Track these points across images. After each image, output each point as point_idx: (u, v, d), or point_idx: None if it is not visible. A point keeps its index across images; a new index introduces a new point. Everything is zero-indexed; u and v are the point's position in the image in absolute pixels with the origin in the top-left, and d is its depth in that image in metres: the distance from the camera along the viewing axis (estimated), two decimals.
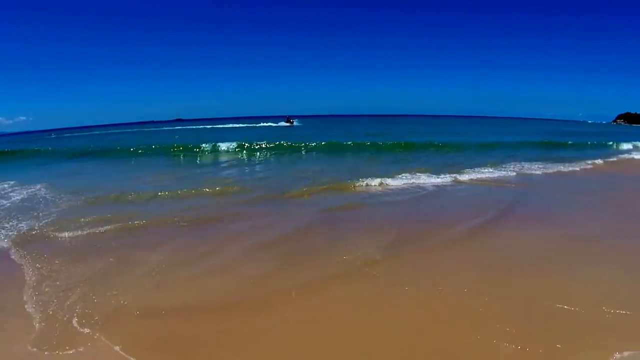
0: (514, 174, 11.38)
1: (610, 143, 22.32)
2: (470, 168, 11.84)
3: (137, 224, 6.37)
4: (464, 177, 10.47)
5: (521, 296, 3.82)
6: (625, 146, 21.59)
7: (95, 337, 3.27)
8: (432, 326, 3.35)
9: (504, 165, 12.62)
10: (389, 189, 9.12)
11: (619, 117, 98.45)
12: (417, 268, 4.54)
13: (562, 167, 12.74)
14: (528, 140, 23.14)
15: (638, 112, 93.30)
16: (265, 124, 47.17)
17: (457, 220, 6.41)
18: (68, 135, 44.62)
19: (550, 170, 12.16)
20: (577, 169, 12.77)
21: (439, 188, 9.23)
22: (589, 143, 22.38)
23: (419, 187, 9.31)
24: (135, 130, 49.87)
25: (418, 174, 10.51)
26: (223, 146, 19.51)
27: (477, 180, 10.31)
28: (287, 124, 48.06)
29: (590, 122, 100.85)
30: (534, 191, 9.15)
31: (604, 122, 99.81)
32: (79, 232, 6.02)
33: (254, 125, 47.57)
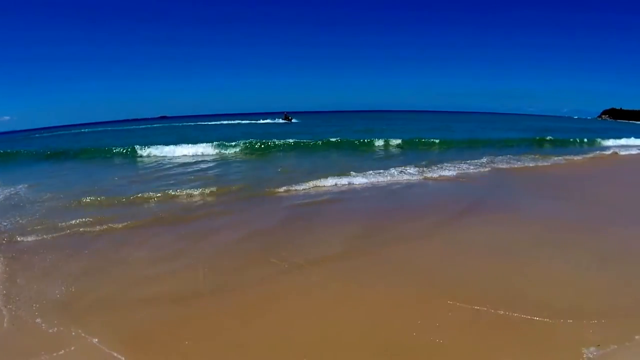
0: (488, 169, 11.65)
1: (598, 139, 22.63)
2: (450, 164, 12.06)
3: (118, 224, 6.31)
4: (435, 174, 10.59)
5: (481, 293, 3.75)
6: (612, 142, 22.13)
7: (73, 334, 3.27)
8: (381, 324, 3.35)
9: (481, 162, 12.85)
10: (361, 186, 9.24)
11: (604, 112, 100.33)
12: (374, 263, 4.64)
13: (540, 164, 13.04)
14: (517, 137, 23.44)
15: (623, 108, 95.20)
16: (262, 121, 46.26)
17: (418, 217, 6.60)
18: (52, 134, 43.64)
19: (528, 167, 12.44)
20: (550, 164, 13.04)
21: (406, 185, 9.45)
22: (586, 140, 22.61)
23: (395, 183, 9.53)
24: (118, 129, 48.66)
25: (392, 171, 10.66)
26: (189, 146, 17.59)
27: (452, 177, 10.38)
28: (285, 121, 46.63)
29: (575, 117, 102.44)
30: (497, 187, 9.38)
31: (589, 117, 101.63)
32: (58, 233, 5.96)
33: (248, 122, 46.51)
